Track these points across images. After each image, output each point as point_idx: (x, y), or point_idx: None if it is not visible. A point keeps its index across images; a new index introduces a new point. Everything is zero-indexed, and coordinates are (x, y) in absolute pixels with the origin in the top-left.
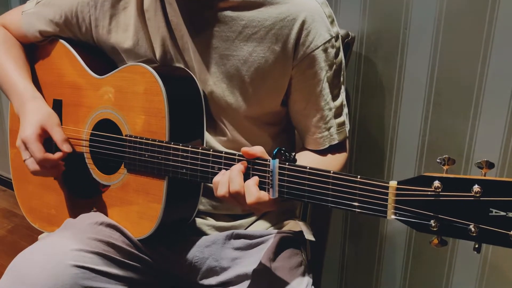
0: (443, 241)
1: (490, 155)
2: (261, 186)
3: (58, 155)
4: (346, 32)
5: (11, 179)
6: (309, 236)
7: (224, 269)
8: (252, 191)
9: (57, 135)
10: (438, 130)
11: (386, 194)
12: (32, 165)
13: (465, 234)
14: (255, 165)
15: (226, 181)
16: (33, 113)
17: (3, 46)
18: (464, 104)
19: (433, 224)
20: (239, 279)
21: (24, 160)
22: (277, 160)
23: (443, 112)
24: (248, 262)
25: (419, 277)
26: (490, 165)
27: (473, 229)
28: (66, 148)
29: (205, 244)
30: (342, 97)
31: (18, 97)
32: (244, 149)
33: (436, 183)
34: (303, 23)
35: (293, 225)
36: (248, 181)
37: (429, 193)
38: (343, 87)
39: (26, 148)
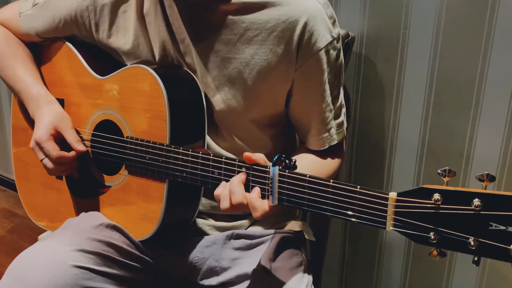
0: (442, 252)
1: (490, 155)
2: (261, 193)
3: (73, 153)
4: (346, 32)
5: (11, 179)
6: (309, 236)
7: (224, 269)
8: (257, 206)
9: (71, 136)
10: (438, 130)
11: (386, 205)
12: (48, 164)
13: (464, 247)
14: (255, 172)
15: (227, 194)
16: (47, 115)
17: (8, 48)
18: (464, 104)
19: (432, 237)
20: (240, 279)
21: (41, 160)
22: (277, 168)
23: (443, 112)
24: (248, 262)
25: (419, 277)
26: (491, 178)
27: (472, 243)
28: (81, 147)
29: (205, 244)
30: (341, 97)
31: (33, 102)
32: (246, 154)
33: (436, 196)
34: (305, 25)
35: (293, 225)
36: (251, 195)
37: (429, 205)
38: (341, 88)
39: (41, 148)
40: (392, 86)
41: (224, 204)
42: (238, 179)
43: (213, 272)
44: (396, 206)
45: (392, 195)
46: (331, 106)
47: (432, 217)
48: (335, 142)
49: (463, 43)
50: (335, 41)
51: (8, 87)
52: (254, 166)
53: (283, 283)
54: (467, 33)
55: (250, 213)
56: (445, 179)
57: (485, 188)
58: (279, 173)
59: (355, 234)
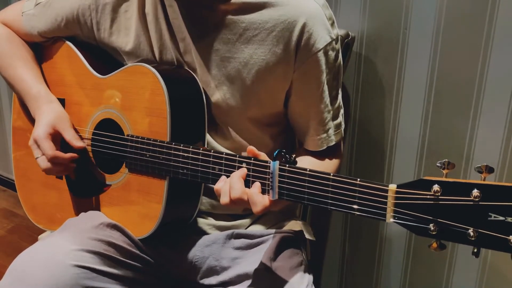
0: (442, 245)
1: (490, 155)
2: (262, 188)
3: (69, 155)
4: (346, 32)
5: (11, 179)
6: (309, 236)
7: (224, 269)
8: (257, 201)
9: (69, 135)
10: (438, 130)
11: (386, 197)
12: (43, 163)
13: (464, 239)
14: (256, 167)
15: (227, 189)
16: (46, 114)
17: (10, 47)
18: (464, 104)
19: (432, 228)
20: (240, 278)
21: (36, 158)
22: (277, 162)
23: (443, 112)
24: (249, 262)
25: (419, 277)
26: (489, 170)
27: (472, 234)
28: (79, 144)
29: (205, 244)
30: (339, 98)
31: (33, 101)
32: (251, 147)
33: (436, 187)
34: (304, 26)
35: (293, 225)
36: (251, 190)
37: (428, 197)
38: (340, 89)
39: (38, 146)
40: (392, 86)
41: (224, 199)
42: (238, 174)
43: (213, 271)
44: (396, 198)
45: (392, 187)
46: (330, 107)
47: (431, 208)
48: (333, 143)
49: (463, 43)
50: (333, 42)
51: (10, 87)
52: (255, 161)
53: (284, 283)
54: (467, 33)
55: (251, 213)
56: (444, 171)
57: (484, 180)
58: (279, 168)
59: (355, 233)
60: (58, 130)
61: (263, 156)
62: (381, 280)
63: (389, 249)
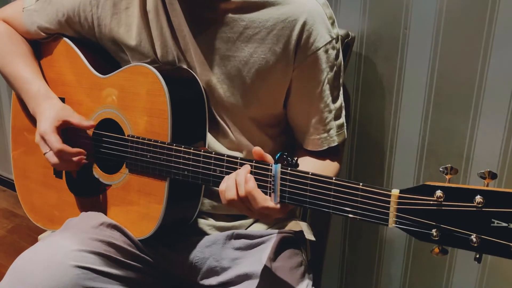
0: (444, 250)
1: (490, 155)
2: (263, 190)
3: (75, 150)
4: (346, 32)
5: (11, 179)
6: (309, 236)
7: (224, 269)
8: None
9: (76, 119)
10: (438, 130)
11: (388, 202)
12: (52, 158)
13: (466, 244)
14: (258, 169)
15: (233, 185)
16: (49, 110)
17: (9, 44)
18: (464, 104)
19: (434, 234)
20: (240, 279)
21: (44, 154)
22: (279, 165)
23: (443, 112)
24: (249, 262)
25: (419, 277)
26: (493, 176)
27: (474, 240)
28: (87, 123)
29: (205, 244)
30: (341, 98)
31: (33, 99)
32: (257, 148)
33: (438, 193)
34: (304, 24)
35: (293, 225)
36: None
37: (431, 202)
38: (341, 89)
39: (45, 141)
40: (392, 86)
41: (230, 194)
42: (245, 171)
43: (213, 272)
44: (399, 203)
45: (395, 192)
46: (331, 107)
47: (434, 214)
48: (335, 143)
49: (463, 43)
50: (334, 41)
51: (9, 84)
52: (257, 164)
53: (284, 283)
54: (467, 33)
55: None
56: (447, 177)
57: (487, 186)
58: (281, 171)
59: (355, 234)
60: (64, 119)
61: (269, 158)
62: (381, 280)
63: (389, 249)
